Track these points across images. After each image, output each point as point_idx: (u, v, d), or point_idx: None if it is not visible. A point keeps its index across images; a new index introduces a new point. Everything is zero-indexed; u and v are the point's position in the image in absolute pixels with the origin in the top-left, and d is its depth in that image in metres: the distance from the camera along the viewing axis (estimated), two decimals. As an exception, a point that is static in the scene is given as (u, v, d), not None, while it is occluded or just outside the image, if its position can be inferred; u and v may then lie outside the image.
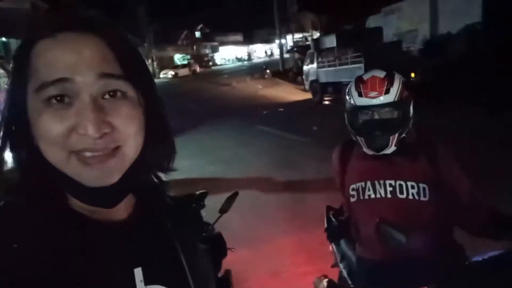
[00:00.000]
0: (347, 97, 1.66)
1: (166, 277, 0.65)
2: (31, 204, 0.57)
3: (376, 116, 1.57)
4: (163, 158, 0.72)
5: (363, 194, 1.63)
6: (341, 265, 2.01)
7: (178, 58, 48.54)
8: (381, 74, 1.60)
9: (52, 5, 0.62)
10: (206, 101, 18.68)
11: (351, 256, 1.92)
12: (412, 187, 1.54)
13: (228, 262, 1.99)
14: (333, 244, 2.15)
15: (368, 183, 1.62)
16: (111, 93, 0.56)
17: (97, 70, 0.55)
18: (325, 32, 28.32)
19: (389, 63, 4.63)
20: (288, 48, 34.48)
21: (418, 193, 1.53)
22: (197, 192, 2.13)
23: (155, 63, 41.52)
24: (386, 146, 1.56)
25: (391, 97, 1.54)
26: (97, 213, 0.61)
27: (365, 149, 1.62)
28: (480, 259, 1.15)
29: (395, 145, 1.57)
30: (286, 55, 31.11)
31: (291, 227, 4.31)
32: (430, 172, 1.52)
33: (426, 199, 1.52)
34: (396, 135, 1.55)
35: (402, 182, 1.56)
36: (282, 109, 14.29)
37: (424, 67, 11.31)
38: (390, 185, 1.57)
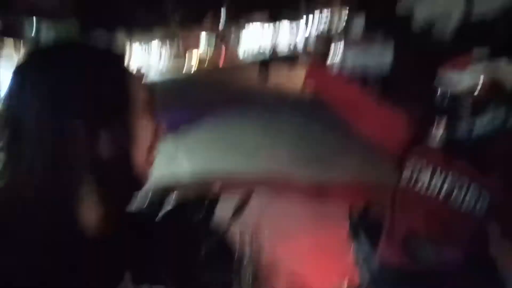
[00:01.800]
0: None
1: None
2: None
3: None
4: None
5: (416, 181, 1.47)
6: (361, 268, 1.98)
7: (205, 39, 48.20)
8: None
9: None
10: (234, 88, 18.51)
11: (373, 260, 1.84)
12: (474, 192, 1.34)
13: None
14: (354, 242, 2.10)
15: (430, 167, 1.43)
16: None
17: None
18: (353, 10, 27.19)
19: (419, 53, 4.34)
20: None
21: (476, 202, 1.35)
22: (207, 200, 2.14)
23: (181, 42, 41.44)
24: None
25: None
26: None
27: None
28: None
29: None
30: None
31: (313, 227, 4.32)
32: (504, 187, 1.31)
33: (481, 212, 1.35)
34: None
35: (465, 183, 1.35)
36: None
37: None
38: (452, 181, 1.38)
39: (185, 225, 1.41)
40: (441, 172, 1.39)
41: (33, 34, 30.54)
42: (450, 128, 1.40)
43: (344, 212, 2.29)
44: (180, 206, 2.01)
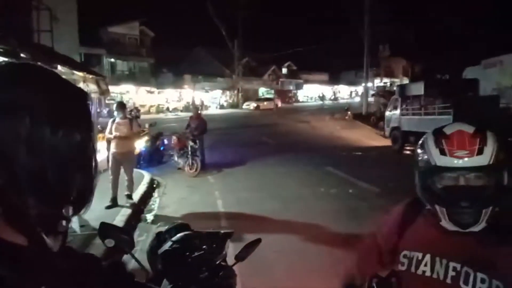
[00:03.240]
0: (421, 153, 1.33)
1: None
2: None
3: (463, 182, 1.23)
4: None
5: (417, 267, 1.34)
6: None
7: (263, 92, 50.12)
8: (469, 129, 1.26)
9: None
10: (281, 136, 18.74)
11: None
12: (483, 281, 1.20)
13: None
14: None
15: (427, 257, 1.32)
16: None
17: None
18: (414, 80, 27.07)
19: (483, 119, 4.00)
20: (373, 91, 33.59)
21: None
22: (222, 232, 1.97)
23: (240, 94, 43.35)
24: (475, 222, 1.23)
25: (485, 159, 1.20)
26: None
27: (444, 223, 1.29)
28: None
29: (485, 222, 1.24)
30: (370, 99, 30.27)
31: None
32: None
33: None
34: (490, 209, 1.22)
35: (470, 271, 1.22)
36: (359, 153, 13.67)
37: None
38: (454, 269, 1.25)
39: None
40: (441, 262, 1.29)
41: (107, 67, 33.74)
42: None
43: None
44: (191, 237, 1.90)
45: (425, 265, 1.32)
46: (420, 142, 1.36)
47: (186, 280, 1.70)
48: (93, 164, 0.69)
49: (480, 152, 1.21)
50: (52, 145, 0.62)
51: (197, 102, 34.13)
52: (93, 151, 0.69)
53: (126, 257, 1.88)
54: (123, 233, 1.57)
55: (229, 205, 6.90)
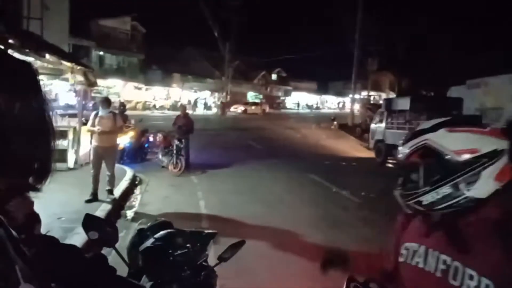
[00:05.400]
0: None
1: None
2: None
3: None
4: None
5: (412, 258, 1.37)
6: None
7: (251, 96, 50.18)
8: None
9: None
10: (266, 140, 18.78)
11: None
12: (471, 277, 1.18)
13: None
14: None
15: (422, 248, 1.34)
16: None
17: None
18: (401, 95, 27.58)
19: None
20: (360, 103, 34.04)
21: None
22: (205, 232, 1.96)
23: (228, 96, 43.28)
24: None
25: None
26: None
27: None
28: None
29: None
30: (356, 111, 30.67)
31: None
32: (507, 266, 1.15)
33: None
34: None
35: (459, 265, 1.21)
36: (343, 163, 13.80)
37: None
38: (444, 262, 1.25)
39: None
40: (433, 254, 1.31)
41: (95, 60, 33.22)
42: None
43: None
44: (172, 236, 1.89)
45: (419, 256, 1.34)
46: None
47: (167, 278, 1.68)
48: (51, 133, 0.71)
49: None
50: (9, 115, 0.63)
51: (185, 102, 33.92)
52: (50, 121, 0.71)
53: (106, 251, 1.85)
54: (108, 226, 1.55)
55: (211, 207, 6.86)
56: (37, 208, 6.11)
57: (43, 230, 5.14)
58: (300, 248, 5.12)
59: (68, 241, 4.44)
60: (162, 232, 1.97)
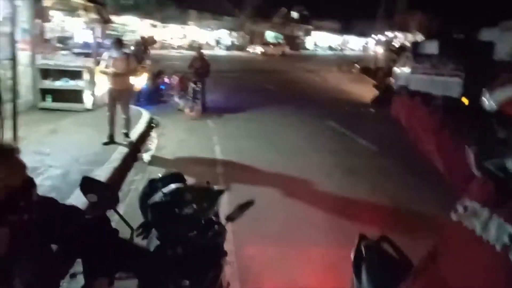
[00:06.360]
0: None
1: None
2: None
3: None
4: None
5: (470, 220, 1.11)
6: None
7: (271, 36, 48.44)
8: None
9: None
10: (284, 84, 18.38)
11: None
12: None
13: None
14: (355, 279, 1.91)
15: (485, 212, 1.08)
16: None
17: None
18: (429, 37, 26.07)
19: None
20: (385, 45, 32.49)
21: None
22: (215, 188, 1.92)
23: (247, 36, 41.90)
24: None
25: None
26: None
27: None
28: None
29: None
30: (380, 54, 29.36)
31: (326, 240, 3.95)
32: None
33: None
34: None
35: None
36: (362, 109, 13.45)
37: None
38: (510, 235, 1.01)
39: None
40: (498, 221, 1.05)
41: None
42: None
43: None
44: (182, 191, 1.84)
45: (479, 220, 1.09)
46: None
47: (173, 235, 1.66)
48: None
49: None
50: None
51: (203, 42, 33.08)
52: None
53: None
54: (107, 189, 1.50)
55: (226, 152, 6.88)
56: (55, 150, 6.24)
57: (62, 172, 5.25)
58: (314, 196, 5.14)
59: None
60: (171, 187, 1.93)
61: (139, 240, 1.97)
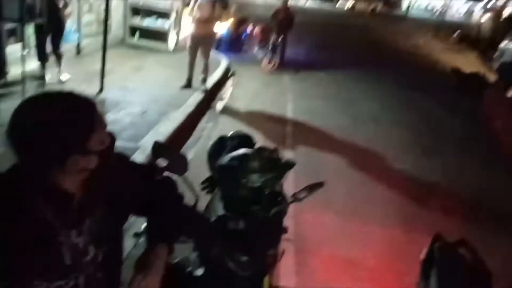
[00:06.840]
0: None
1: None
2: None
3: None
4: None
5: None
6: None
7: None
8: None
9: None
10: (370, 45, 17.14)
11: None
12: None
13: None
14: (421, 280, 1.79)
15: None
16: None
17: None
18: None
19: None
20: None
21: None
22: (283, 160, 1.82)
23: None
24: None
25: None
26: None
27: None
28: None
29: None
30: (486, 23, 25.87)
31: (390, 222, 3.75)
32: None
33: None
34: None
35: None
36: (453, 84, 12.19)
37: None
38: None
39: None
40: None
41: None
42: None
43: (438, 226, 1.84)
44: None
45: None
46: None
47: (236, 206, 1.62)
48: None
49: None
50: None
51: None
52: None
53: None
54: (178, 156, 1.46)
55: (298, 112, 6.71)
56: (137, 87, 6.54)
57: (141, 110, 5.50)
58: (384, 173, 4.87)
59: (160, 125, 4.74)
60: (239, 152, 1.87)
61: (203, 194, 1.97)
